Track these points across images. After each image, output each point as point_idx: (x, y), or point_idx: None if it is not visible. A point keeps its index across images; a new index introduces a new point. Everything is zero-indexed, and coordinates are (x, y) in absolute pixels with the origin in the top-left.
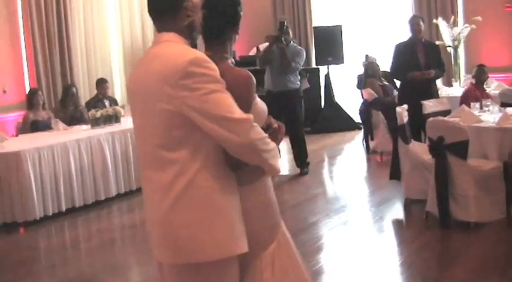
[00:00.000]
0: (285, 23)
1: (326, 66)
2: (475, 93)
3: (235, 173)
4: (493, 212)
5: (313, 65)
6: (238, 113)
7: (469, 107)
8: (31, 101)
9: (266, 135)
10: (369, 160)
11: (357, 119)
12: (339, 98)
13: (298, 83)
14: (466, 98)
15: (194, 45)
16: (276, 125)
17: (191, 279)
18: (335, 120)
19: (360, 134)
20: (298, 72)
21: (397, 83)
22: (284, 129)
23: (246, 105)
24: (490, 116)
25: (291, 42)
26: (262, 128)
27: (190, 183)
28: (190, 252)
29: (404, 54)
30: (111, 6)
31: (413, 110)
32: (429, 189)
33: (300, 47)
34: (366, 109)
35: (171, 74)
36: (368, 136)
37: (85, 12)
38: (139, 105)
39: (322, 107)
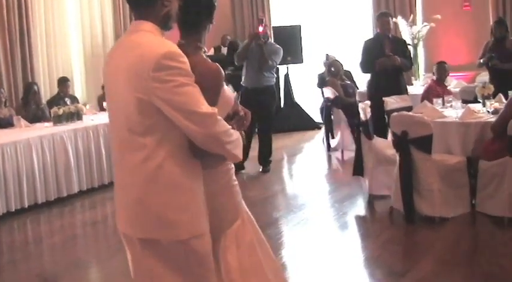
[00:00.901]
0: (264, 21)
1: (285, 65)
2: (437, 90)
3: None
4: (458, 207)
5: None
6: (205, 107)
7: (431, 103)
8: None
9: (229, 127)
10: (330, 158)
11: (317, 118)
12: (299, 98)
13: (274, 80)
14: (428, 95)
15: None
16: (242, 112)
17: (159, 252)
18: (294, 120)
19: (319, 134)
20: (274, 69)
21: (358, 81)
22: (250, 115)
23: (214, 94)
24: (453, 111)
25: (269, 39)
26: (228, 114)
27: (160, 166)
28: (160, 231)
29: (372, 49)
30: (71, 5)
31: (382, 106)
32: (393, 185)
33: (277, 46)
34: (327, 108)
35: (144, 66)
36: (329, 134)
37: (46, 11)
38: (115, 93)
39: (282, 106)
